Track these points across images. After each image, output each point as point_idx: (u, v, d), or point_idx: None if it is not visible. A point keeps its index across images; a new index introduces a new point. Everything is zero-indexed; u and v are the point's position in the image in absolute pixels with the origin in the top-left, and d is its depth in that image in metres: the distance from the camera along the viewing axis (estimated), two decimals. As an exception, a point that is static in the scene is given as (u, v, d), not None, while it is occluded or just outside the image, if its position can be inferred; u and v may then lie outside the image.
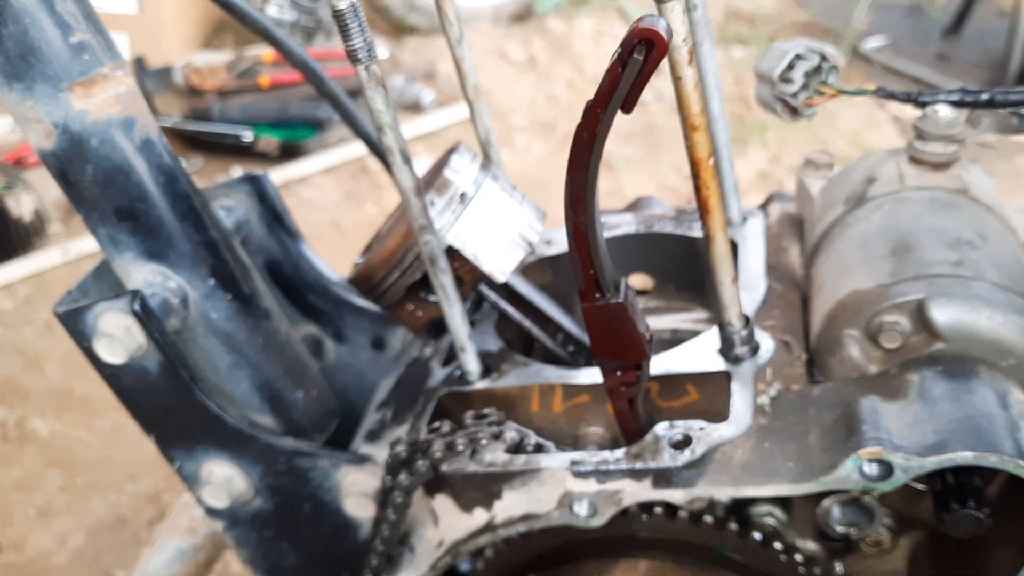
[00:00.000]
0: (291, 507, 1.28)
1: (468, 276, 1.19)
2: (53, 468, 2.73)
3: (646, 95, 4.36)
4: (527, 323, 1.28)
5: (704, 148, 0.98)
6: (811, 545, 1.14)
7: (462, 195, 1.18)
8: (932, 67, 4.36)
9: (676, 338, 1.40)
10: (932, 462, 0.88)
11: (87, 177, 1.15)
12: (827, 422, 0.97)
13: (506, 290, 1.26)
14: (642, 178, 3.88)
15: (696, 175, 0.99)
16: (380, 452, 1.22)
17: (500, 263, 1.18)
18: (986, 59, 4.38)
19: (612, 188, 3.82)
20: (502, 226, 1.19)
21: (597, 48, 4.56)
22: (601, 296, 0.95)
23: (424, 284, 1.20)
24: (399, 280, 1.19)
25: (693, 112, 0.96)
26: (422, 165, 4.01)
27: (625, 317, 0.96)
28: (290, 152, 3.90)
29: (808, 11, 4.87)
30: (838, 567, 1.14)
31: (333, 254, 3.64)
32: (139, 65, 4.07)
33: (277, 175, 3.84)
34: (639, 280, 1.45)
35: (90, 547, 2.60)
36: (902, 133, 3.95)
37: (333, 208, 3.80)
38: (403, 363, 1.39)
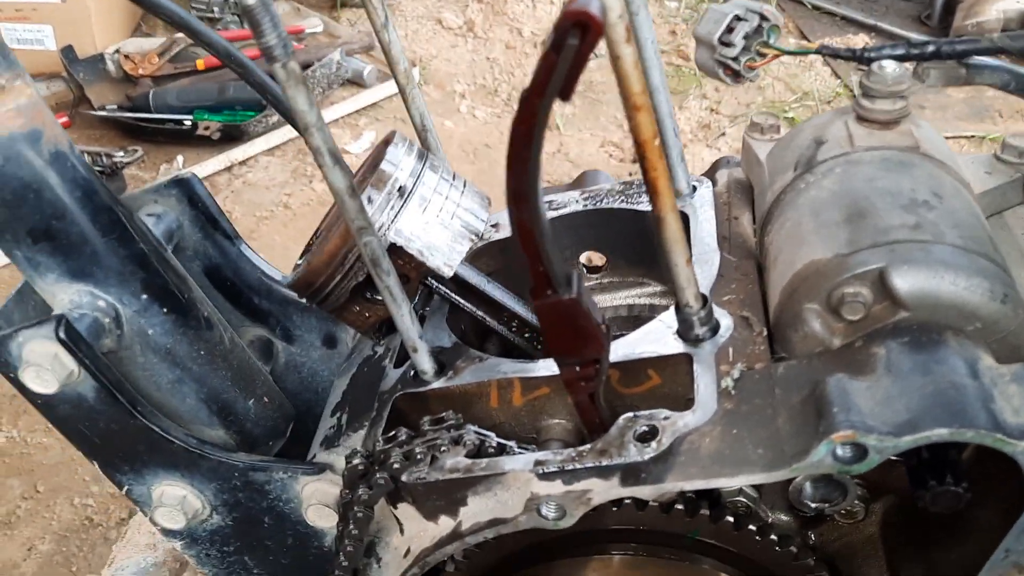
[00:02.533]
0: (251, 521, 1.20)
1: (414, 273, 1.10)
2: (13, 476, 2.61)
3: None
4: (480, 313, 1.19)
5: (649, 128, 0.89)
6: (783, 517, 1.09)
7: (400, 189, 1.08)
8: (860, 4, 4.30)
9: (632, 314, 1.33)
10: (907, 441, 0.82)
11: (-6, 198, 1.03)
12: (795, 403, 0.91)
13: (455, 281, 1.18)
14: (584, 135, 3.80)
15: (642, 156, 0.91)
16: (338, 459, 1.14)
17: (446, 257, 1.10)
18: (912, -7, 4.33)
19: (555, 148, 3.73)
20: (445, 218, 1.10)
21: (533, 9, 4.42)
22: (553, 292, 0.88)
23: (369, 284, 1.11)
24: (341, 283, 1.10)
25: (635, 92, 0.87)
26: (366, 141, 3.88)
27: (579, 312, 0.89)
28: (232, 134, 3.74)
29: (737, -43, 4.76)
30: (812, 538, 1.10)
31: (284, 233, 3.53)
32: (68, 55, 3.86)
33: (221, 158, 3.68)
34: (589, 258, 1.38)
35: (59, 552, 2.50)
36: (835, 74, 3.90)
37: (280, 188, 3.66)
38: (356, 361, 1.31)
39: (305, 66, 3.82)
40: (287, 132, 3.79)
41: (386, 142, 1.13)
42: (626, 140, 3.76)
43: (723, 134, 3.69)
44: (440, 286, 1.18)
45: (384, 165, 1.09)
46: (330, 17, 4.43)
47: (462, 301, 1.19)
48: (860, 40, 3.99)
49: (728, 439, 0.91)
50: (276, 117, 3.77)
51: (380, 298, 1.09)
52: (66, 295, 1.10)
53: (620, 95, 0.89)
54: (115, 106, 3.76)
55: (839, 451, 0.84)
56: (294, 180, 3.69)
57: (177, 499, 1.17)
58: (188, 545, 1.23)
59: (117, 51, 3.90)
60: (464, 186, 1.15)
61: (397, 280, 1.04)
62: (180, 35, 3.97)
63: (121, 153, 3.70)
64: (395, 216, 1.08)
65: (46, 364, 1.04)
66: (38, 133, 1.04)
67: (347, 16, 4.54)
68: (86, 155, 3.65)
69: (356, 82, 4.02)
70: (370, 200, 1.07)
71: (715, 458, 0.90)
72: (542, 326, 0.91)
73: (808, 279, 0.97)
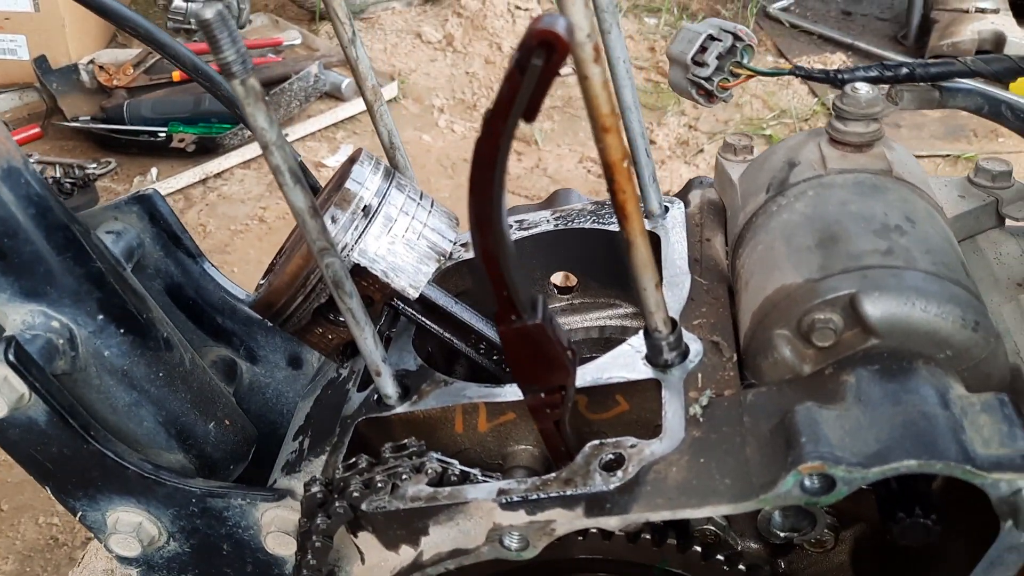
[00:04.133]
0: (209, 549, 1.16)
1: (378, 295, 1.07)
2: (-24, 496, 2.55)
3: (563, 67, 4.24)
4: (447, 335, 1.17)
5: (617, 150, 0.87)
6: (753, 545, 1.07)
7: (365, 208, 1.06)
8: (837, 23, 4.33)
9: (603, 336, 1.31)
10: (875, 473, 0.80)
11: (-58, 215, 1.00)
12: (764, 432, 0.89)
13: (422, 302, 1.15)
14: (563, 151, 3.79)
15: (610, 179, 0.89)
16: (299, 485, 1.11)
17: (412, 278, 1.07)
18: (888, 13, 4.37)
19: (534, 164, 3.71)
20: (411, 238, 1.08)
21: (513, 24, 4.42)
22: (517, 318, 0.85)
23: (331, 306, 1.08)
24: (304, 304, 1.07)
25: (603, 113, 0.85)
26: (343, 154, 3.85)
27: (544, 338, 0.86)
28: (207, 147, 3.70)
29: (716, -25, 4.79)
30: (782, 566, 1.08)
31: (259, 247, 3.49)
32: (41, 65, 3.81)
33: (195, 172, 3.64)
34: (561, 277, 1.36)
35: (23, 573, 2.44)
36: (813, 92, 3.92)
37: (256, 201, 3.62)
38: (320, 383, 1.28)
39: (283, 79, 3.80)
40: (263, 145, 3.75)
41: (352, 160, 1.11)
42: (604, 156, 3.74)
43: (701, 151, 3.69)
44: (406, 307, 1.15)
45: (349, 184, 1.06)
46: (308, 30, 4.41)
47: (428, 323, 1.16)
48: (837, 59, 4.01)
49: (695, 468, 0.89)
50: (252, 130, 3.73)
51: (343, 320, 1.07)
52: (18, 315, 1.06)
53: (588, 116, 0.88)
54: (88, 117, 3.72)
55: (807, 482, 0.82)
56: (269, 193, 3.65)
57: (132, 526, 1.14)
58: (145, 572, 1.20)
59: (91, 62, 3.86)
60: (431, 205, 1.13)
61: (360, 302, 1.01)
62: (156, 46, 3.93)
63: (94, 165, 3.66)
64: (359, 236, 1.05)
65: (-5, 386, 1.01)
66: (-10, 149, 1.01)
67: (325, 29, 4.51)
68: (58, 167, 3.61)
69: (334, 95, 3.99)
70: (334, 219, 1.05)
71: (682, 488, 0.88)
72: (506, 352, 0.88)
73: (779, 304, 0.96)
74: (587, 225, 1.27)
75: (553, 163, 3.72)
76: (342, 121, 3.96)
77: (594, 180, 3.71)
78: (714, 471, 0.88)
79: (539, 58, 0.71)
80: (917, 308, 0.90)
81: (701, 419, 0.93)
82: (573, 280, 1.34)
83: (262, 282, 1.16)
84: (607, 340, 1.31)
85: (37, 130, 3.81)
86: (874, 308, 0.90)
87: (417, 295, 1.09)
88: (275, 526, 1.11)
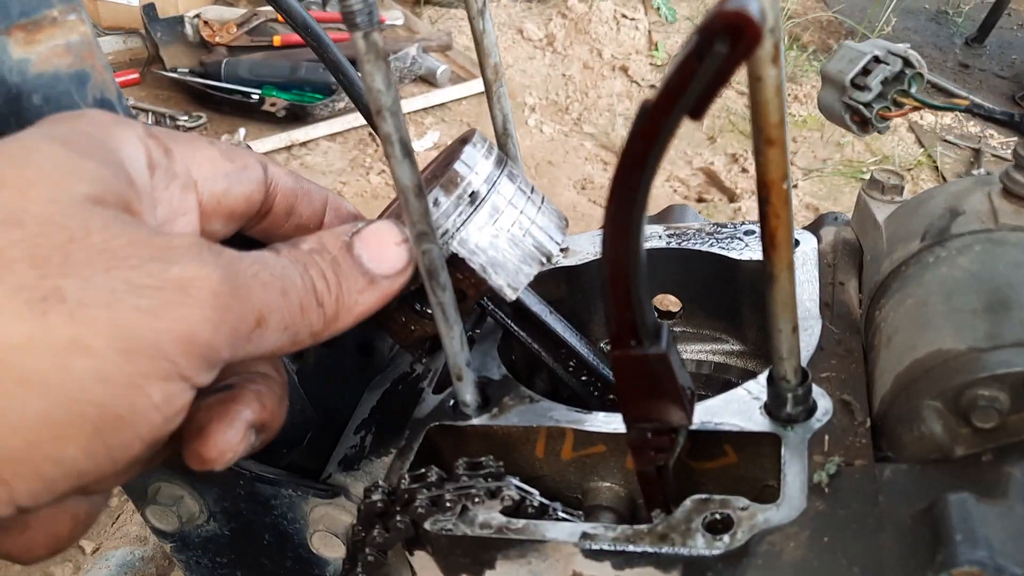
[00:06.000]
0: (250, 535, 1.06)
1: (472, 291, 0.95)
2: None
3: (655, 80, 4.11)
4: (536, 347, 1.05)
5: (779, 167, 0.74)
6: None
7: (472, 195, 0.94)
8: (953, 75, 4.11)
9: (700, 372, 1.18)
10: (1046, 594, 0.66)
11: (26, 140, 0.91)
12: (904, 519, 0.75)
13: (514, 307, 1.03)
14: (653, 168, 3.64)
15: (765, 200, 0.76)
16: (354, 484, 1.00)
17: (511, 278, 0.95)
18: (1008, 71, 4.13)
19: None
20: (516, 234, 0.96)
21: (617, 32, 4.29)
22: (637, 344, 0.73)
23: (420, 296, 0.96)
24: (390, 290, 0.95)
25: (771, 123, 0.72)
26: (429, 140, 3.76)
27: (665, 371, 0.74)
28: (297, 114, 3.65)
29: (832, 10, 4.59)
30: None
31: (334, 222, 3.42)
32: (149, 13, 3.80)
33: (282, 137, 3.59)
34: (662, 301, 1.22)
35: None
36: (919, 142, 3.71)
37: (336, 175, 3.56)
38: (390, 376, 1.17)
39: (381, 56, 3.72)
40: (351, 120, 3.69)
41: (463, 140, 0.99)
42: (693, 178, 3.60)
43: (795, 186, 3.51)
44: (496, 309, 1.04)
45: (458, 166, 0.94)
46: (412, 12, 4.33)
47: (518, 330, 1.04)
48: (949, 111, 3.79)
49: (817, 548, 0.75)
50: (343, 103, 3.66)
51: (431, 312, 0.96)
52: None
53: (752, 124, 0.75)
54: (187, 70, 3.70)
55: (958, 590, 0.68)
56: (351, 169, 3.58)
57: (173, 499, 1.04)
58: (179, 549, 1.10)
59: (197, 16, 3.84)
60: (542, 201, 1.00)
61: (452, 296, 0.89)
62: (261, 8, 3.89)
63: (185, 117, 3.63)
64: (461, 224, 0.93)
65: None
66: (85, 76, 0.92)
67: (429, 13, 4.44)
68: (151, 115, 3.59)
69: (428, 80, 3.91)
70: (436, 202, 0.93)
71: (799, 569, 0.74)
72: (618, 381, 0.76)
73: (932, 371, 0.81)
74: (704, 248, 1.14)
75: (640, 178, 3.58)
76: (433, 107, 3.87)
77: (679, 201, 3.56)
78: (840, 555, 0.74)
79: (724, 44, 0.58)
80: (1106, 401, 0.75)
81: (827, 489, 0.80)
82: (677, 305, 1.21)
83: (347, 259, 1.05)
84: (706, 377, 1.17)
85: (136, 76, 3.80)
86: (1054, 393, 0.75)
87: (514, 297, 0.96)
88: (323, 524, 1.00)
